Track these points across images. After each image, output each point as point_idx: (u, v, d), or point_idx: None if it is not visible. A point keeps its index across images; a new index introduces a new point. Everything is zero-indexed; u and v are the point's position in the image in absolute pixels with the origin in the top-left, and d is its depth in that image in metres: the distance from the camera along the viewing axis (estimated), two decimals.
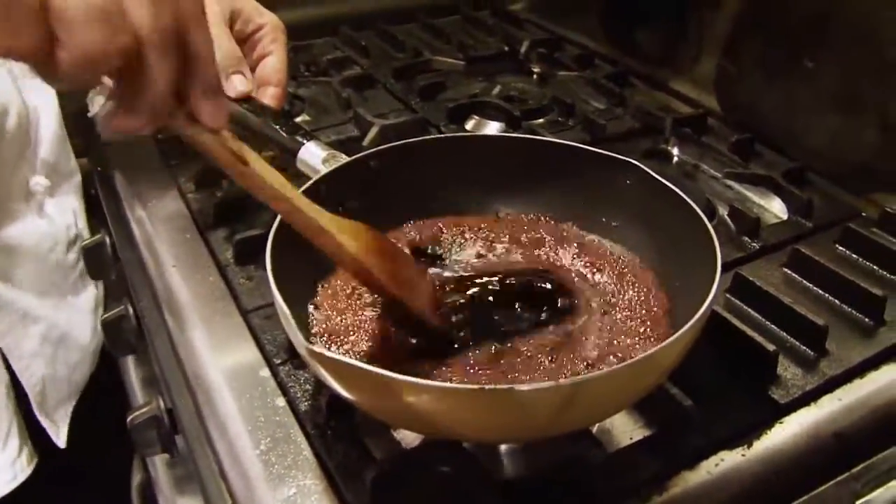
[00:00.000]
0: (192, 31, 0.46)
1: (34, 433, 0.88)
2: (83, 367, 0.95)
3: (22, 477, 0.84)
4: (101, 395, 0.97)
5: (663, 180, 0.67)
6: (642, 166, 0.69)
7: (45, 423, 0.89)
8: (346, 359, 0.50)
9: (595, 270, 0.70)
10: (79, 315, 0.95)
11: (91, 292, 0.98)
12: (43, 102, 0.93)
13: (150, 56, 0.44)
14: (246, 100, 0.77)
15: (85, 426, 0.94)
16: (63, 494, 0.93)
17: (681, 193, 0.65)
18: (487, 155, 0.75)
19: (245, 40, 0.80)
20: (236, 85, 0.75)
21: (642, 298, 0.66)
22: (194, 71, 0.47)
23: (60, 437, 0.91)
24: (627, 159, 0.71)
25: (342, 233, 0.57)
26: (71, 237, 0.95)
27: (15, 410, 0.85)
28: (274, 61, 0.80)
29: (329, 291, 0.67)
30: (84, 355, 0.95)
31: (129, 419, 0.72)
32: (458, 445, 0.57)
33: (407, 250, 0.71)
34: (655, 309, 0.65)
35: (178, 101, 0.48)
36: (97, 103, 1.08)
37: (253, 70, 0.80)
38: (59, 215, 0.95)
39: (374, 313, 0.64)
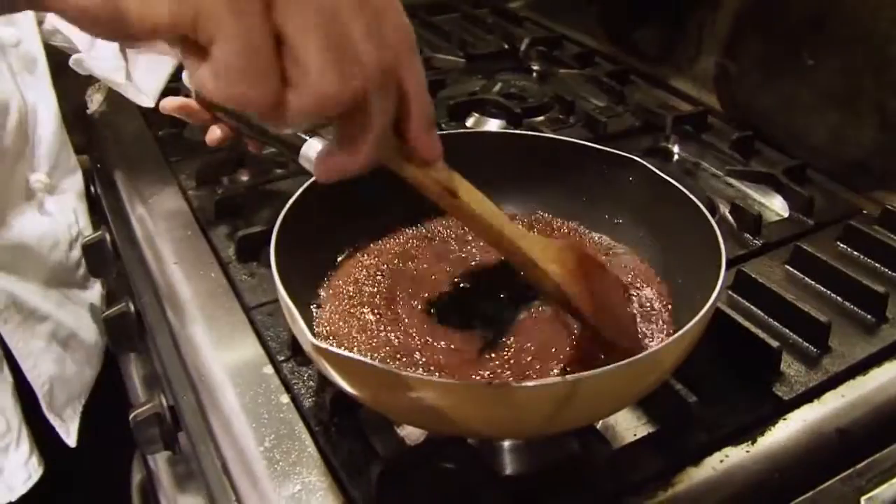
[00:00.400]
0: (408, 65, 0.44)
1: (35, 435, 0.88)
2: (90, 365, 0.95)
3: (36, 476, 0.84)
4: (100, 394, 0.97)
5: (667, 177, 0.67)
6: (646, 163, 0.69)
7: (54, 422, 0.89)
8: (352, 355, 0.50)
9: (598, 267, 0.69)
10: (85, 313, 0.95)
11: (96, 290, 0.98)
12: (42, 100, 0.92)
13: (375, 97, 0.42)
14: None
15: (85, 425, 0.93)
16: (63, 494, 0.93)
17: (684, 190, 0.65)
18: (490, 152, 0.75)
19: None
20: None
21: (645, 295, 0.66)
22: (409, 106, 0.45)
23: (70, 436, 0.91)
24: (631, 156, 0.71)
25: (550, 262, 0.55)
26: (73, 235, 0.95)
27: (22, 413, 0.85)
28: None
29: (331, 291, 0.67)
30: (91, 354, 0.95)
31: (131, 416, 0.72)
32: (462, 442, 0.57)
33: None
34: (658, 306, 0.65)
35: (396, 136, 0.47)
36: (96, 100, 1.08)
37: None
38: (60, 213, 0.94)
39: (376, 312, 0.64)
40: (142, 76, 0.90)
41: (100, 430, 0.95)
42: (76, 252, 0.95)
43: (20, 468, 0.83)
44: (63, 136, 0.97)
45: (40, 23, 0.93)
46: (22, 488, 0.83)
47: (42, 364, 0.87)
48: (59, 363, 0.90)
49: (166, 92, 0.90)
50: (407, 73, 0.44)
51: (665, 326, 0.63)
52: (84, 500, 0.98)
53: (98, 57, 0.88)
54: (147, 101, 0.91)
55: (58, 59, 0.94)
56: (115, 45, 0.88)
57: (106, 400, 0.97)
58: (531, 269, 0.55)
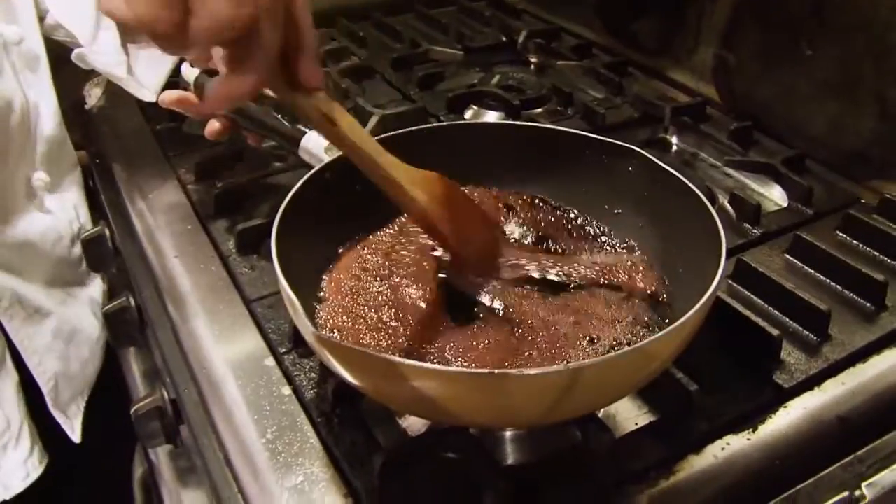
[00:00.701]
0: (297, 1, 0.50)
1: (40, 431, 0.88)
2: (93, 361, 0.96)
3: (35, 475, 0.85)
4: (100, 389, 0.97)
5: (666, 167, 0.67)
6: (645, 153, 0.69)
7: (59, 418, 0.90)
8: (354, 345, 0.50)
9: (598, 257, 0.70)
10: (87, 309, 0.95)
11: (97, 286, 0.98)
12: (43, 97, 0.92)
13: (265, 24, 0.47)
14: None
15: (86, 420, 0.94)
16: (65, 489, 0.93)
17: (684, 180, 0.65)
18: (489, 143, 0.75)
19: None
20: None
21: (646, 285, 0.66)
22: (297, 37, 0.51)
23: (75, 432, 0.92)
24: (630, 146, 0.71)
25: (415, 186, 0.60)
26: (74, 231, 0.95)
27: (25, 410, 0.85)
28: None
29: (332, 284, 0.66)
30: (94, 349, 0.95)
31: (132, 410, 0.72)
32: (464, 432, 0.57)
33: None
34: (659, 295, 0.65)
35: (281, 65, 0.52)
36: (94, 95, 1.08)
37: None
38: (61, 211, 0.94)
39: (378, 304, 0.64)
40: (143, 71, 0.90)
41: (101, 425, 0.95)
42: (77, 248, 0.95)
43: (19, 466, 0.83)
44: (63, 134, 0.97)
45: (41, 18, 0.93)
46: (19, 486, 0.83)
47: (47, 361, 0.88)
48: (63, 360, 0.90)
49: (166, 86, 0.90)
50: (298, 7, 0.50)
51: (666, 315, 0.63)
52: (86, 495, 0.98)
53: (100, 52, 0.89)
54: (149, 96, 0.91)
55: (56, 52, 0.94)
56: (116, 41, 0.88)
57: (106, 394, 0.97)
58: (401, 194, 0.60)
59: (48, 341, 0.88)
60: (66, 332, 0.91)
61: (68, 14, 0.90)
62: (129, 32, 0.49)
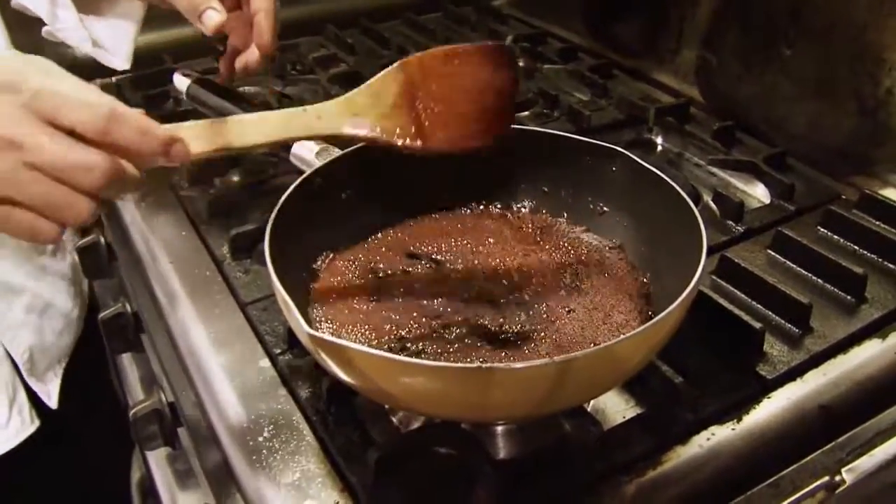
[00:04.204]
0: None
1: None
2: (69, 332, 0.97)
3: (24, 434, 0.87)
4: (85, 359, 1.00)
5: (648, 166, 0.69)
6: (627, 153, 0.71)
7: (35, 386, 0.91)
8: (347, 343, 0.51)
9: (584, 255, 0.71)
10: (60, 282, 0.96)
11: (68, 261, 0.99)
12: None
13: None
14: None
15: (73, 389, 0.96)
16: (58, 455, 0.94)
17: (666, 178, 0.67)
18: None
19: None
20: (210, 20, 0.74)
21: (631, 281, 0.68)
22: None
23: (52, 399, 0.93)
24: (612, 146, 0.72)
25: (349, 125, 0.63)
26: None
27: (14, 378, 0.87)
28: (261, 19, 0.80)
29: (325, 286, 0.68)
30: (69, 321, 0.97)
31: (130, 413, 0.73)
32: (456, 427, 0.59)
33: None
34: (643, 291, 0.67)
35: None
36: None
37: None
38: None
39: (371, 306, 0.66)
40: (108, 41, 0.91)
41: (88, 392, 0.98)
42: None
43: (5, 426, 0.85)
44: None
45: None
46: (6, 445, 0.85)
47: (21, 335, 0.89)
48: (37, 333, 0.91)
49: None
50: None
51: (651, 310, 0.65)
52: (83, 497, 0.99)
53: (63, 28, 0.88)
54: (122, 64, 0.92)
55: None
56: (75, 17, 0.87)
57: (92, 364, 1.00)
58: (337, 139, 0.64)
59: (21, 316, 0.89)
60: (39, 307, 0.92)
61: None
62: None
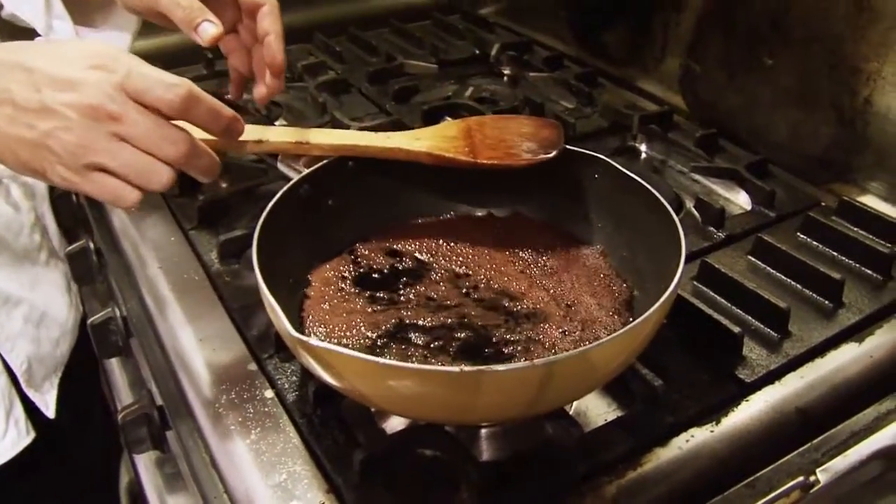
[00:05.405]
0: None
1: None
2: (65, 342, 0.98)
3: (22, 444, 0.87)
4: (77, 367, 1.00)
5: (629, 173, 0.70)
6: (609, 160, 0.72)
7: (33, 397, 0.92)
8: (332, 346, 0.52)
9: (566, 262, 0.73)
10: (54, 292, 0.97)
11: (61, 270, 1.00)
12: None
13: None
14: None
15: (66, 397, 0.97)
16: (51, 463, 0.95)
17: (646, 184, 0.68)
18: None
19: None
20: (206, 32, 0.74)
21: (613, 286, 0.69)
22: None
23: (49, 409, 0.94)
24: (594, 154, 0.74)
25: (416, 142, 0.74)
26: (33, 220, 0.97)
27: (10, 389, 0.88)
28: (272, 41, 0.81)
29: (312, 290, 0.69)
30: (64, 331, 0.98)
31: (119, 417, 0.74)
32: (440, 429, 0.60)
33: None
34: (624, 296, 0.68)
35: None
36: None
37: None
38: (23, 199, 0.96)
39: (354, 311, 0.67)
40: None
41: (82, 402, 0.98)
42: (37, 235, 0.97)
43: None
44: None
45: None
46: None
47: (19, 345, 0.90)
48: (34, 342, 0.92)
49: None
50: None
51: (631, 314, 0.66)
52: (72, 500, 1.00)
53: (57, 38, 0.89)
54: None
55: None
56: (71, 28, 0.89)
57: (84, 373, 1.01)
58: (405, 154, 0.74)
59: (19, 327, 0.90)
60: (36, 318, 0.93)
61: (21, 4, 0.89)
62: None
